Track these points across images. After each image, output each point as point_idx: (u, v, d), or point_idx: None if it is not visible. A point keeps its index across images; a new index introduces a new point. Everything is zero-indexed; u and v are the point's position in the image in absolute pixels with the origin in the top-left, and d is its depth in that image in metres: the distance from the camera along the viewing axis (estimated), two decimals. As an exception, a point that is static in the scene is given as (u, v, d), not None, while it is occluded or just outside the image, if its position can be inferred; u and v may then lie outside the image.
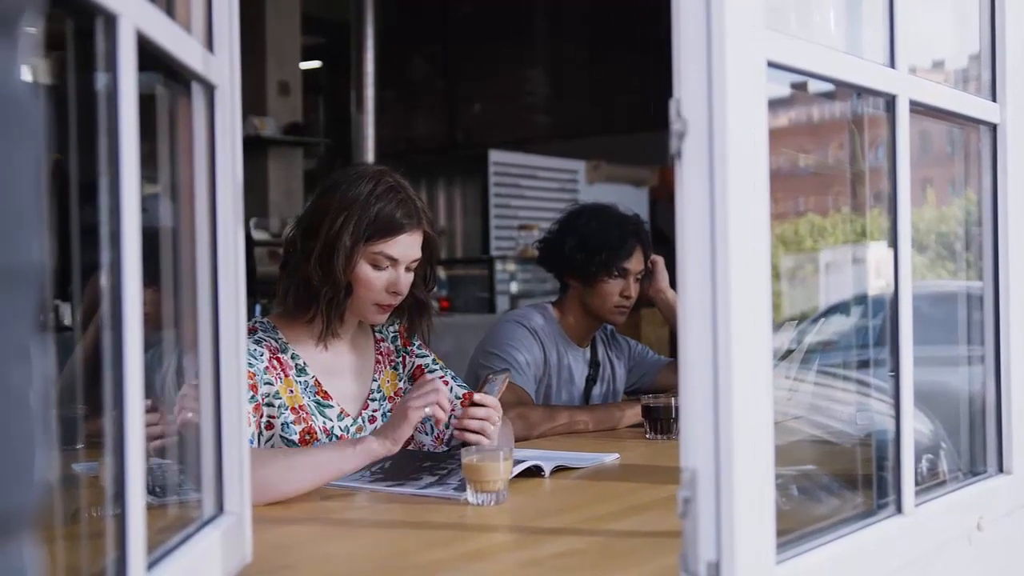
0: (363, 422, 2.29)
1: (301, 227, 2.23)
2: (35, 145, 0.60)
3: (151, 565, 1.10)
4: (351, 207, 2.17)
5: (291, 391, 2.19)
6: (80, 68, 1.06)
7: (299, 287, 2.21)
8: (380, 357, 2.39)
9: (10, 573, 0.58)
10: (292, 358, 2.23)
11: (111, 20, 1.00)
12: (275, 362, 2.18)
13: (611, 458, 2.35)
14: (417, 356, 2.44)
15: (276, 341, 2.22)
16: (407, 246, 2.22)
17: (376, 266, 2.20)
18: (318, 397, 2.23)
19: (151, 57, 1.12)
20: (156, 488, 1.38)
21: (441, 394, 2.02)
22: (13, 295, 0.58)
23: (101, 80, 1.02)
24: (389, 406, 2.34)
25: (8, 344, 0.58)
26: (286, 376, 2.19)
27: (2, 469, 0.57)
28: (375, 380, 2.35)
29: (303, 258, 2.20)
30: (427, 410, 1.99)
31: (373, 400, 2.34)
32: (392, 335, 2.43)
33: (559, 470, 2.18)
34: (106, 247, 1.02)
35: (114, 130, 1.02)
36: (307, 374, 2.23)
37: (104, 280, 1.05)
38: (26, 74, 0.61)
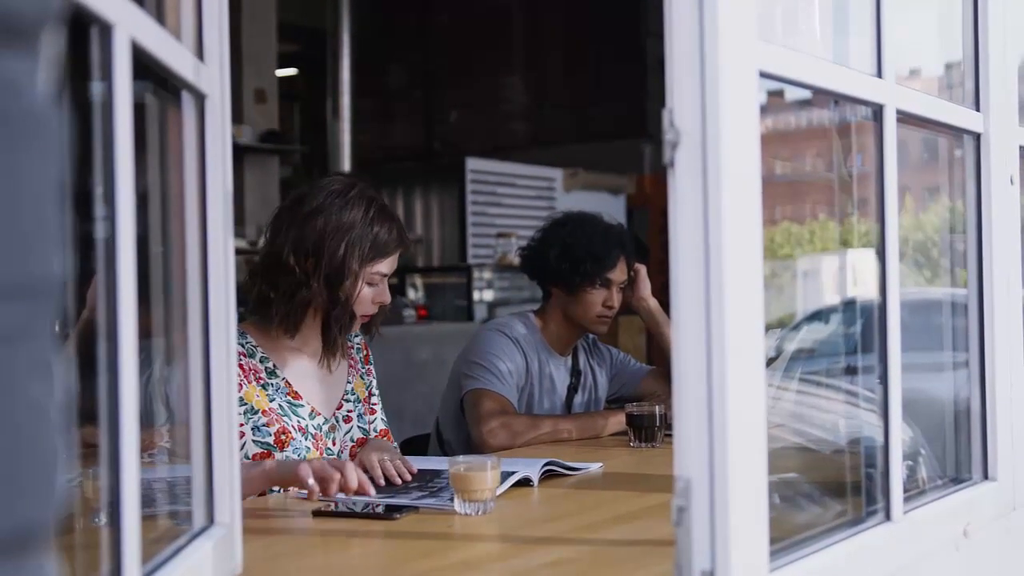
0: (337, 421, 2.37)
1: (291, 246, 2.24)
2: (56, 157, 0.60)
3: (144, 578, 1.09)
4: (350, 232, 2.24)
5: (258, 395, 2.24)
6: (73, 77, 1.05)
7: (299, 309, 2.26)
8: (352, 362, 2.47)
9: None
10: (261, 361, 2.28)
11: (106, 29, 0.99)
12: (239, 369, 2.21)
13: (596, 467, 2.35)
14: (373, 377, 2.54)
15: (243, 346, 2.26)
16: (395, 261, 2.34)
17: (370, 284, 2.30)
18: (289, 397, 2.29)
19: (142, 66, 1.12)
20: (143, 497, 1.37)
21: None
22: (34, 308, 0.58)
23: (95, 89, 1.02)
24: (362, 408, 2.44)
25: (30, 357, 0.57)
26: (250, 382, 2.24)
27: (25, 483, 0.57)
28: (349, 382, 2.43)
29: (302, 280, 2.23)
30: (311, 482, 1.92)
31: (348, 401, 2.42)
32: (357, 347, 2.51)
33: (548, 476, 2.18)
34: (100, 256, 1.01)
35: (109, 139, 1.01)
36: (278, 376, 2.29)
37: (86, 288, 1.05)
38: (46, 87, 0.61)
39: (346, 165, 8.48)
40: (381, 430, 2.46)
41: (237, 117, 7.31)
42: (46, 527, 0.58)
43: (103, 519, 1.13)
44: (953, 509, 1.71)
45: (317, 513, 1.88)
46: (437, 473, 2.19)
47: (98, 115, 1.02)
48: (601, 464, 2.37)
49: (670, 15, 1.18)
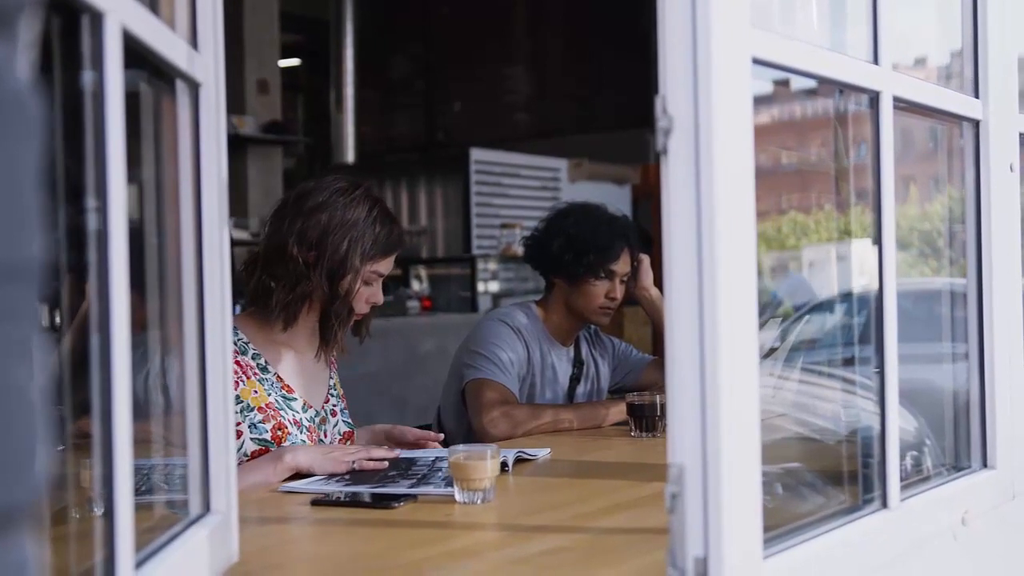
0: (326, 414, 2.41)
1: (295, 239, 2.26)
2: (35, 142, 0.60)
3: (138, 564, 1.10)
4: (353, 229, 2.27)
5: (255, 392, 2.27)
6: (64, 65, 1.05)
7: (299, 301, 2.28)
8: (332, 360, 2.50)
9: (12, 567, 0.58)
10: (253, 358, 2.30)
11: (97, 18, 0.99)
12: (235, 366, 2.23)
13: (544, 452, 2.38)
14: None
15: (235, 343, 2.27)
16: (392, 263, 2.38)
17: (366, 282, 2.32)
18: (283, 392, 2.31)
19: (135, 55, 1.12)
20: (139, 487, 1.38)
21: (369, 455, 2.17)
22: (16, 291, 0.58)
23: (86, 78, 1.02)
24: (343, 404, 2.49)
25: (11, 339, 0.58)
26: (248, 378, 2.26)
27: (5, 464, 0.57)
28: (331, 379, 2.48)
29: (303, 273, 2.25)
30: (355, 466, 2.13)
31: (332, 395, 2.46)
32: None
33: (519, 462, 2.23)
34: (92, 247, 1.01)
35: (100, 128, 1.01)
36: (269, 372, 2.31)
37: (84, 280, 1.05)
38: (25, 72, 0.61)
39: (349, 156, 8.49)
40: (345, 432, 2.47)
41: (240, 108, 7.32)
42: (26, 508, 0.59)
43: (101, 508, 1.13)
44: (951, 497, 1.71)
45: (315, 502, 1.89)
46: (412, 461, 2.21)
47: (89, 105, 1.02)
48: (549, 449, 2.40)
49: (663, 2, 1.18)
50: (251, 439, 2.22)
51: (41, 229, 0.61)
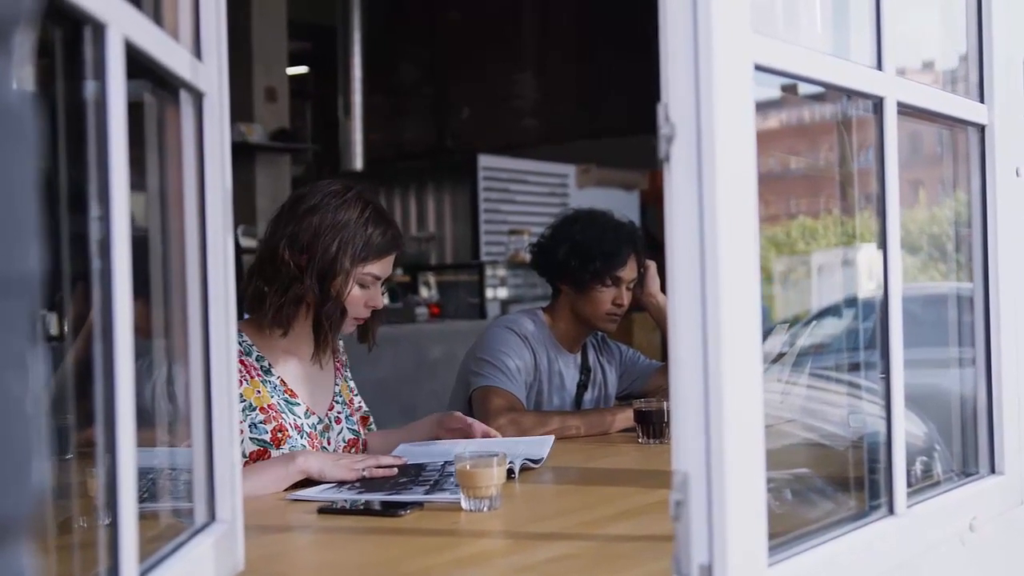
0: (330, 421, 2.41)
1: (287, 242, 2.27)
2: (31, 154, 0.61)
3: (143, 573, 1.10)
4: (343, 231, 2.27)
5: (258, 392, 2.27)
6: (67, 76, 1.06)
7: (292, 304, 2.28)
8: (338, 366, 2.50)
9: None
10: (257, 360, 2.31)
11: (99, 29, 1.00)
12: (239, 365, 2.23)
13: (548, 442, 2.41)
14: (351, 379, 2.56)
15: (240, 345, 2.28)
16: (390, 265, 2.37)
17: (362, 285, 2.32)
18: (286, 395, 2.32)
19: (139, 65, 1.12)
20: (144, 495, 1.38)
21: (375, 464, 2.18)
22: (11, 303, 0.58)
23: (89, 88, 1.02)
24: (349, 411, 2.48)
25: (6, 352, 0.58)
26: (252, 378, 2.27)
27: (1, 476, 0.58)
28: (336, 385, 2.47)
29: (295, 275, 2.26)
30: (365, 473, 2.13)
31: (337, 402, 2.45)
32: (341, 349, 2.56)
33: (524, 469, 2.22)
34: (96, 256, 1.02)
35: (103, 138, 1.01)
36: (273, 375, 2.32)
37: (92, 289, 1.05)
38: (22, 83, 0.61)
39: (358, 163, 8.50)
40: (350, 439, 2.47)
41: (248, 116, 7.31)
42: (21, 520, 0.59)
43: (108, 517, 1.13)
44: (959, 503, 1.71)
45: (321, 510, 1.89)
46: (422, 467, 2.21)
47: (92, 115, 1.03)
48: (552, 437, 2.43)
49: (664, 9, 1.18)
50: (251, 439, 2.23)
51: (39, 241, 0.61)
